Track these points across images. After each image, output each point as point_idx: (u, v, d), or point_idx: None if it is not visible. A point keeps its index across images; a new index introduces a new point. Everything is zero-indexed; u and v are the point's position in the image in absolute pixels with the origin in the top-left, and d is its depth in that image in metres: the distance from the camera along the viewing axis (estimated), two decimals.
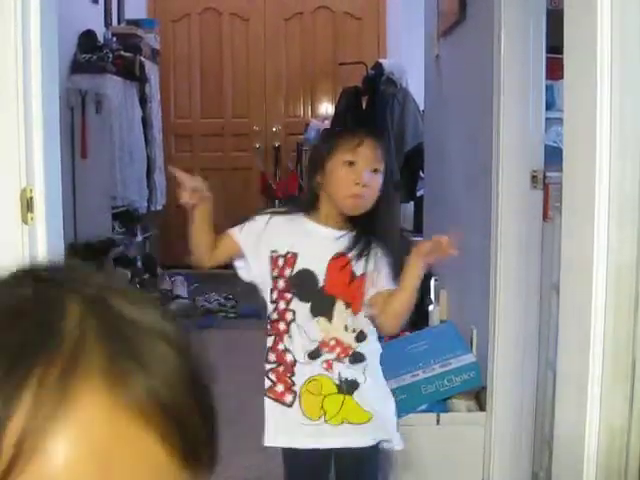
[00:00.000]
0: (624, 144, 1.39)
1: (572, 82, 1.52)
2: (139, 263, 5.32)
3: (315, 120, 5.81)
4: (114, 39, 5.21)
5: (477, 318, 2.66)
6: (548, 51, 2.27)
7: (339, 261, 1.74)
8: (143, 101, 5.43)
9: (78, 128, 4.48)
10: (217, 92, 6.31)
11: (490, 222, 2.37)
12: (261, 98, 6.30)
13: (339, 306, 1.74)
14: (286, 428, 1.76)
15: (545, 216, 2.31)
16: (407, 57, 5.16)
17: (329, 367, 1.73)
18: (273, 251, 1.76)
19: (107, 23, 5.46)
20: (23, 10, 1.57)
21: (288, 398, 1.74)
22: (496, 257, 2.34)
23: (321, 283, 1.73)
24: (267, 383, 1.77)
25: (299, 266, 1.74)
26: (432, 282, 3.33)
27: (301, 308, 1.74)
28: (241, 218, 1.84)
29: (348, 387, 1.74)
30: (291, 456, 1.79)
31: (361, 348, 1.76)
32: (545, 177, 2.30)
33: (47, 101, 1.65)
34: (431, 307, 3.27)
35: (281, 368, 1.75)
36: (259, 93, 6.28)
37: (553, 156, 2.20)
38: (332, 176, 1.75)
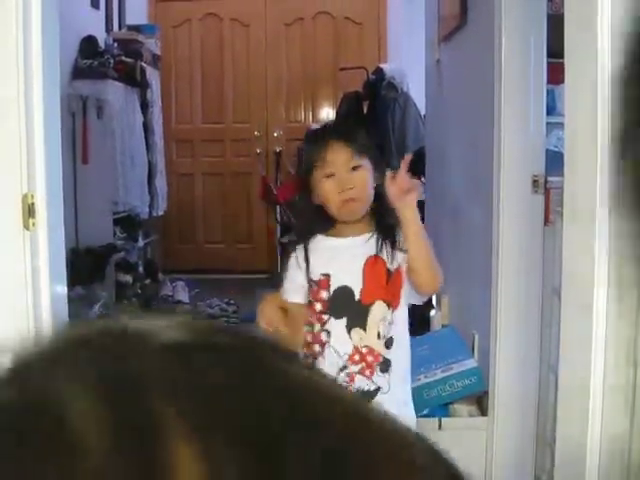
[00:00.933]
0: None
1: (573, 86, 1.52)
2: (140, 268, 5.32)
3: (316, 125, 5.81)
4: (115, 45, 5.22)
5: (479, 323, 2.65)
6: (549, 55, 2.27)
7: (373, 263, 1.73)
8: (144, 106, 5.43)
9: (79, 133, 4.48)
10: (218, 97, 6.31)
11: (491, 226, 2.37)
12: (262, 103, 6.30)
13: (376, 311, 1.72)
14: None
15: (546, 221, 2.31)
16: (408, 62, 5.16)
17: (351, 380, 1.73)
18: (310, 280, 1.76)
19: (108, 29, 5.47)
20: (24, 16, 1.57)
21: None
22: (497, 262, 2.34)
23: (357, 296, 1.72)
24: None
25: (334, 285, 1.73)
26: None
27: (336, 326, 1.73)
28: (274, 275, 1.82)
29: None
30: None
31: (389, 354, 1.75)
32: (546, 182, 2.30)
33: (48, 106, 1.66)
34: (433, 312, 3.27)
35: None
36: (260, 98, 6.28)
37: (554, 161, 2.20)
38: (320, 194, 1.74)
